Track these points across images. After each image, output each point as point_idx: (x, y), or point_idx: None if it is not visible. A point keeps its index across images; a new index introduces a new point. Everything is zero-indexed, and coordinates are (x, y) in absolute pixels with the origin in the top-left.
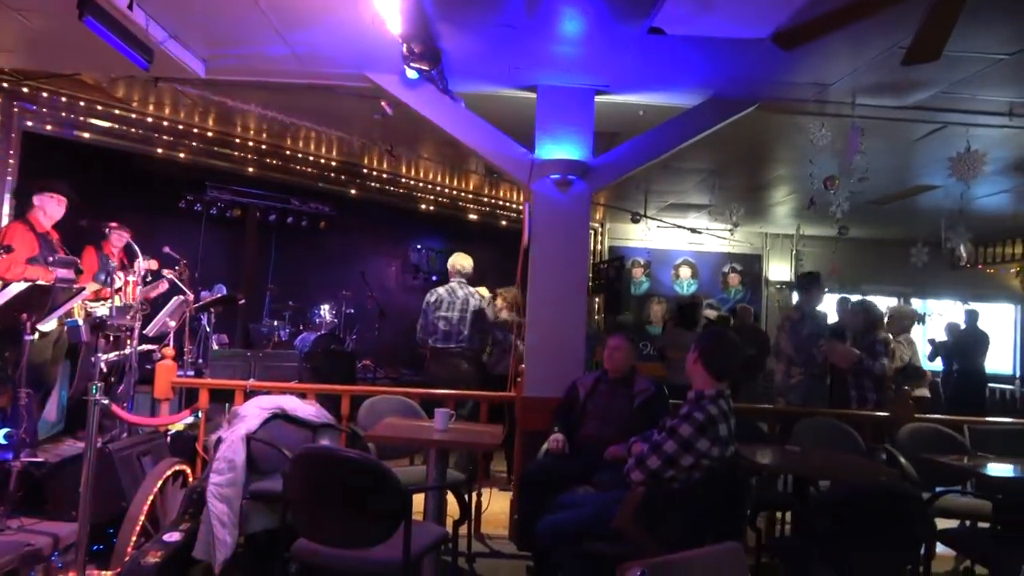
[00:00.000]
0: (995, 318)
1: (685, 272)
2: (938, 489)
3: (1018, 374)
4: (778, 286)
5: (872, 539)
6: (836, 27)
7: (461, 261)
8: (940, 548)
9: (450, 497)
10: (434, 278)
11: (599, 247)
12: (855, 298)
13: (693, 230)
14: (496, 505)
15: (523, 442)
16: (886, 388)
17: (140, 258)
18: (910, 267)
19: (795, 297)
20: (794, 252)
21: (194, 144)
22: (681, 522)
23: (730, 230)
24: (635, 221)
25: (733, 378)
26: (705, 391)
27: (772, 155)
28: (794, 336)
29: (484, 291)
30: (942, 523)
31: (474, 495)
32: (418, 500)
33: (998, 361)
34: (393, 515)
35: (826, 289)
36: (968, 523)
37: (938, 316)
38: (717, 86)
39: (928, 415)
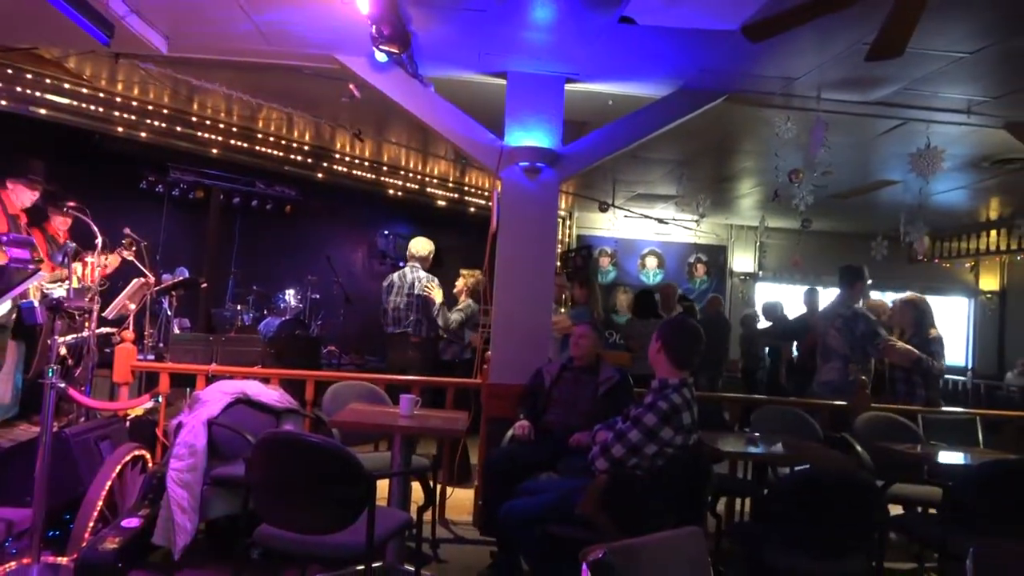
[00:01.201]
0: (950, 311)
1: (651, 262)
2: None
3: (970, 366)
4: (742, 277)
5: (829, 525)
6: (803, 21)
7: (417, 246)
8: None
9: (415, 483)
10: (401, 264)
11: (567, 236)
12: (905, 295)
13: (660, 220)
14: (460, 491)
15: (488, 429)
16: (935, 386)
17: (100, 238)
18: (870, 260)
19: (822, 293)
20: (758, 244)
21: (156, 123)
22: (644, 508)
23: (696, 221)
24: (603, 210)
25: (696, 367)
26: (669, 380)
27: (739, 147)
28: (848, 333)
29: (435, 283)
30: (894, 509)
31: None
32: (382, 486)
33: (951, 353)
34: (357, 501)
35: (870, 282)
36: (920, 509)
37: None
38: (686, 77)
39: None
